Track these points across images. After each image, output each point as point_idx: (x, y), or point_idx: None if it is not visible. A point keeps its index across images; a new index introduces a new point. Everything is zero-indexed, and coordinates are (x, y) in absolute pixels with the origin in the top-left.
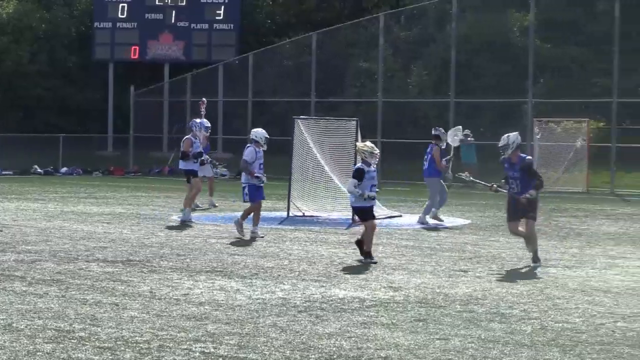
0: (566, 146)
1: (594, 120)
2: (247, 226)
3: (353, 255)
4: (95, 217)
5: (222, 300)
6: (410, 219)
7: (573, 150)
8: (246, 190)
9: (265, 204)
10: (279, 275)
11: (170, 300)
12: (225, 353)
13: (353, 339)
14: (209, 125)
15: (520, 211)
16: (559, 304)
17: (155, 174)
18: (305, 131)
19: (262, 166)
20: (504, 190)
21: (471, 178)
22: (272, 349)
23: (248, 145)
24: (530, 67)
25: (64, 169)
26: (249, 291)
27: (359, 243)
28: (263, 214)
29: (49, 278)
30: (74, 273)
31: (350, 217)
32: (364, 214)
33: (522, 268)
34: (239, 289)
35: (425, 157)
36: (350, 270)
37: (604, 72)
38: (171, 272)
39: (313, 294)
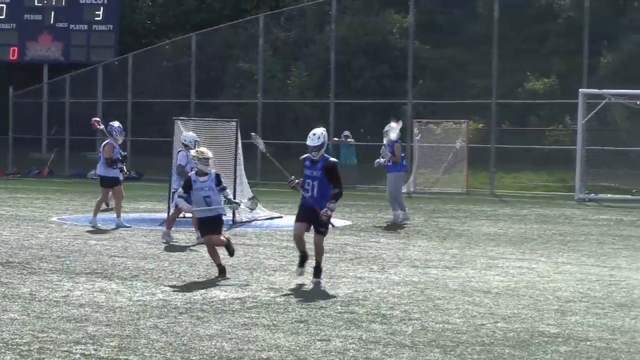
0: (446, 147)
1: (473, 122)
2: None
3: (234, 257)
4: None
5: (103, 302)
6: (290, 220)
7: (452, 151)
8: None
9: (145, 205)
10: (160, 276)
11: (51, 302)
12: (106, 355)
13: (234, 340)
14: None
15: (310, 218)
16: (440, 305)
17: (34, 175)
18: (185, 132)
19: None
20: (300, 189)
21: (265, 152)
22: (153, 350)
23: (179, 150)
24: (410, 68)
25: None
26: (129, 293)
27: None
28: (143, 215)
29: None
30: None
31: (231, 218)
32: (202, 226)
33: (403, 269)
34: (119, 290)
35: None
36: (230, 271)
37: (483, 74)
38: (51, 273)
39: (194, 296)
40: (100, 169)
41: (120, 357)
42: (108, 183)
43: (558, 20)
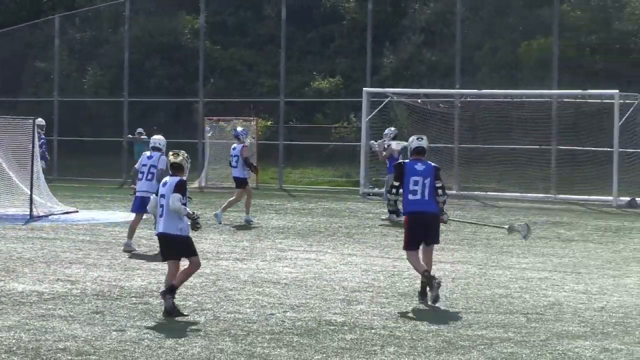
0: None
1: (262, 119)
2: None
3: (31, 250)
4: None
5: None
6: (86, 215)
7: None
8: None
9: None
10: None
11: None
12: None
13: (32, 331)
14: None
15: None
16: (231, 295)
17: None
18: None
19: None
20: None
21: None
22: None
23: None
24: (201, 68)
25: None
26: None
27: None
28: None
29: None
30: None
31: (28, 212)
32: None
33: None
34: None
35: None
36: (28, 264)
37: (271, 73)
38: None
39: None
40: (236, 171)
41: None
42: (243, 184)
43: (343, 22)
